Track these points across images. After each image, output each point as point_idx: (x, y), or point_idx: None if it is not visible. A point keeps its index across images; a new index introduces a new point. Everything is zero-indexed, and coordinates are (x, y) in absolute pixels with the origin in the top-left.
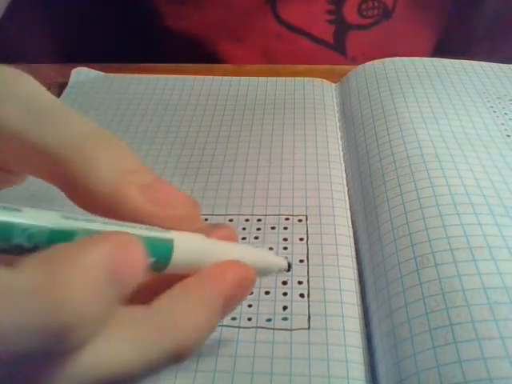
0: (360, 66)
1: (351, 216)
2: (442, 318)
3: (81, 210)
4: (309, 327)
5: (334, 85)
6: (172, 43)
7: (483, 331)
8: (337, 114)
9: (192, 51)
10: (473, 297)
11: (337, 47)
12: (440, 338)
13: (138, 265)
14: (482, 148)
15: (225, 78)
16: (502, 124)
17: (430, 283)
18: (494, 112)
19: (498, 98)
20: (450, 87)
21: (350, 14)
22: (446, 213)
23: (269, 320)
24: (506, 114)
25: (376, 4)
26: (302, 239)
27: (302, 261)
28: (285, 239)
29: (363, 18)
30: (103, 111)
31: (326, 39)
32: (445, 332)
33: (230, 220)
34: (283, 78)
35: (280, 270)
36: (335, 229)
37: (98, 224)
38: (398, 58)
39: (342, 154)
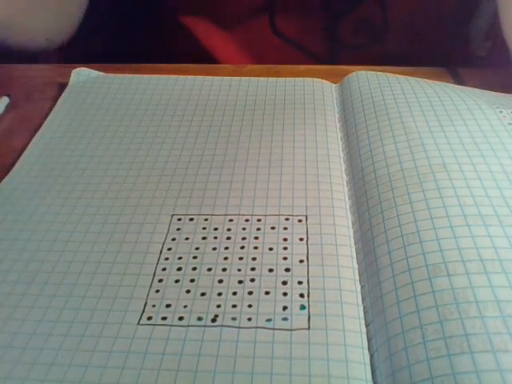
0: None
1: (351, 216)
2: (457, 327)
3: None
4: (309, 327)
5: (334, 85)
6: (178, 38)
7: (498, 343)
8: (337, 115)
9: (193, 47)
10: (486, 309)
11: (329, 64)
12: (455, 347)
13: None
14: (490, 152)
15: (225, 78)
16: (510, 124)
17: (443, 292)
18: (501, 112)
19: (503, 104)
20: (453, 94)
21: (344, 32)
22: (456, 224)
23: (269, 320)
24: None
25: (368, 26)
26: (301, 239)
27: (301, 261)
28: (285, 239)
29: (356, 38)
30: (103, 111)
31: (320, 55)
32: (460, 341)
33: (230, 220)
34: (283, 79)
35: None
36: (335, 229)
37: None
38: None
39: (342, 155)
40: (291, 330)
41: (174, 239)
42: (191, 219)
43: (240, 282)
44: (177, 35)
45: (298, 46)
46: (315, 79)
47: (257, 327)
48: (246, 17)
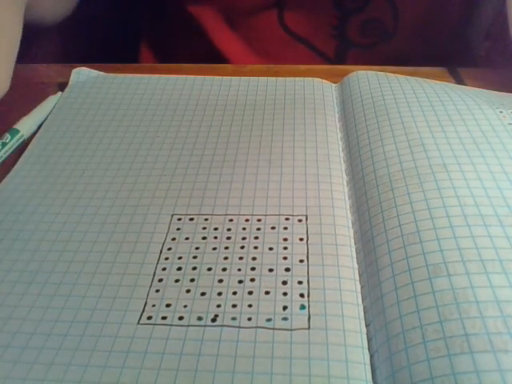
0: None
1: (351, 216)
2: (457, 327)
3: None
4: (309, 327)
5: (334, 85)
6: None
7: (498, 343)
8: (337, 115)
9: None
10: (486, 309)
11: (336, 63)
12: (456, 347)
13: None
14: (490, 152)
15: (225, 78)
16: (510, 124)
17: (443, 292)
18: (501, 112)
19: (503, 104)
20: (454, 94)
21: (353, 31)
22: (457, 224)
23: (269, 320)
24: None
25: (377, 25)
26: (301, 239)
27: (301, 261)
28: (285, 239)
29: (365, 38)
30: (103, 111)
31: (327, 53)
32: (460, 341)
33: (230, 220)
34: (283, 78)
35: None
36: (335, 229)
37: None
38: None
39: (342, 155)
40: (291, 329)
41: (174, 239)
42: (191, 219)
43: (240, 281)
44: (183, 26)
45: (306, 44)
46: (315, 79)
47: (257, 327)
48: (254, 12)
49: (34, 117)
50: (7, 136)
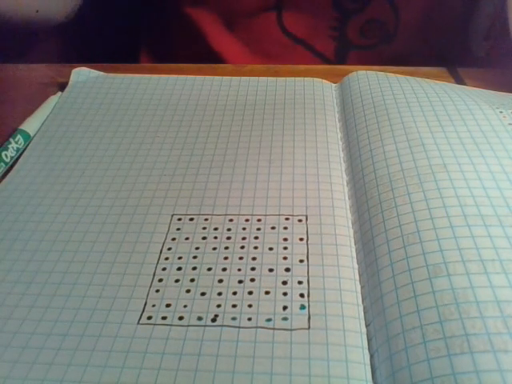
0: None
1: (351, 216)
2: (457, 327)
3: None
4: (309, 327)
5: (334, 85)
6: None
7: (498, 343)
8: (337, 115)
9: (197, 43)
10: (486, 309)
11: (336, 64)
12: (456, 347)
13: None
14: (490, 152)
15: (225, 78)
16: (510, 124)
17: (443, 292)
18: (501, 112)
19: (503, 104)
20: (454, 94)
21: (353, 32)
22: (457, 224)
23: (269, 320)
24: None
25: (378, 26)
26: (301, 239)
27: (301, 261)
28: (285, 239)
29: (365, 39)
30: (103, 111)
31: (327, 55)
32: (460, 341)
33: (230, 220)
34: (283, 78)
35: None
36: (335, 229)
37: None
38: None
39: (342, 155)
40: (291, 329)
41: (174, 239)
42: (191, 219)
43: (240, 281)
44: (182, 28)
45: (305, 45)
46: (315, 79)
47: (257, 327)
48: (253, 14)
49: (39, 117)
50: (21, 140)
